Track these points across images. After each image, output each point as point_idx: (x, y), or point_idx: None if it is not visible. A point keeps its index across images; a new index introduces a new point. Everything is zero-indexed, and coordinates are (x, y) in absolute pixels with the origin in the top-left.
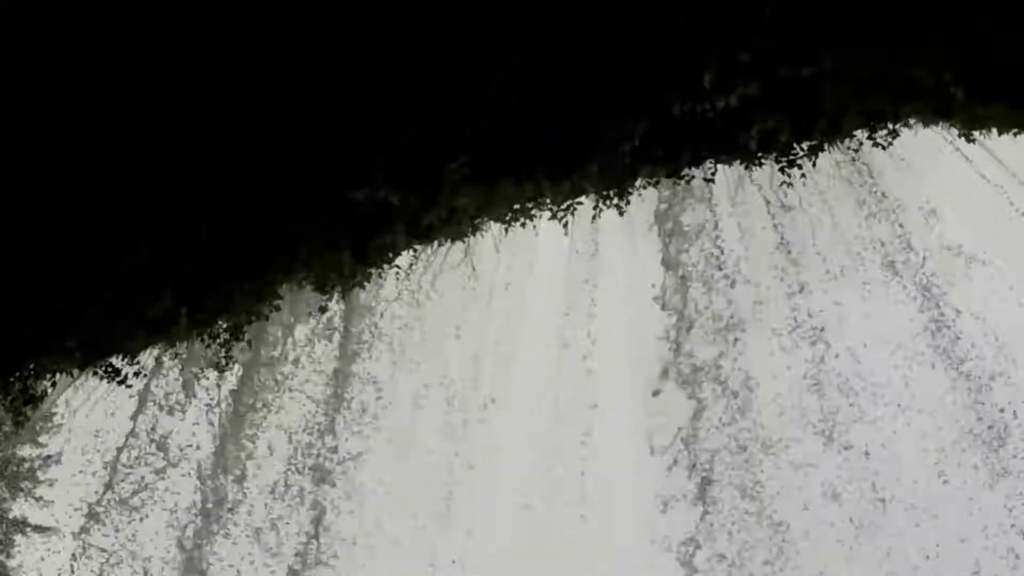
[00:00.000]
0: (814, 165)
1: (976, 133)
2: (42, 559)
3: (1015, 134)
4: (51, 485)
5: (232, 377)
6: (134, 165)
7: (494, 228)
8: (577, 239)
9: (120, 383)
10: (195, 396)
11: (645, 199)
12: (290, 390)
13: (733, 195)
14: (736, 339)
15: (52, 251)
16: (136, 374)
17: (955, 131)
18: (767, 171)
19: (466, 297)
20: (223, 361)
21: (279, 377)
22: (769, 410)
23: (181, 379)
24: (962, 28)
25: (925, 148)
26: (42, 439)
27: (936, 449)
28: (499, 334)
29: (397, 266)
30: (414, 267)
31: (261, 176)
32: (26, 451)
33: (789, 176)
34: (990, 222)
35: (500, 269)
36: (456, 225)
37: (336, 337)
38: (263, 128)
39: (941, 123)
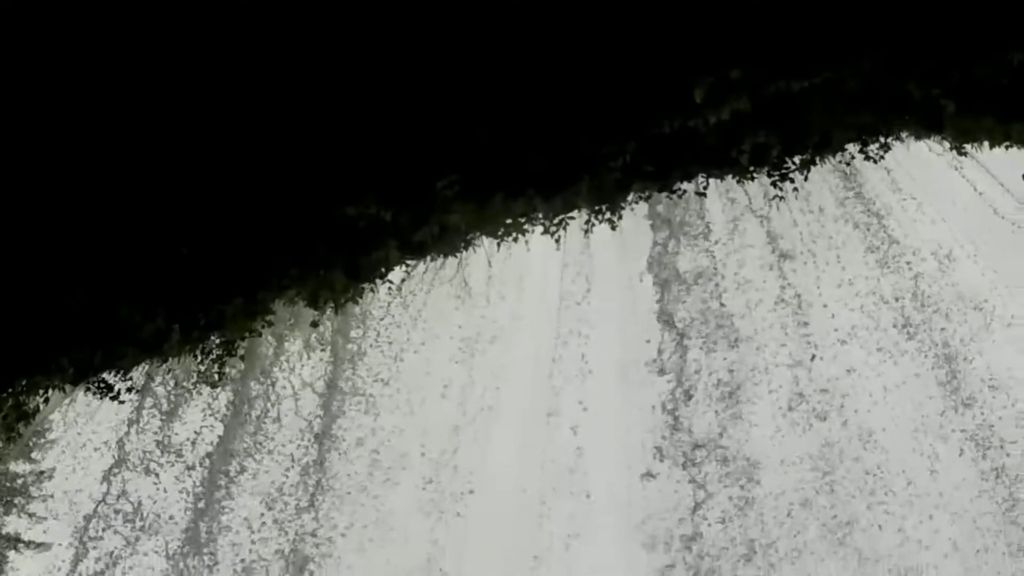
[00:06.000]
0: (806, 179)
1: (968, 147)
2: None
3: (1006, 147)
4: (44, 501)
5: (210, 435)
6: (126, 184)
7: (486, 246)
8: (568, 280)
9: (113, 399)
10: (171, 455)
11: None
12: (269, 452)
13: (731, 238)
14: (737, 415)
15: (44, 269)
16: (129, 390)
17: (947, 145)
18: (767, 211)
19: (449, 353)
20: (216, 377)
21: (259, 439)
22: (776, 508)
23: (157, 437)
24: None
25: (934, 181)
26: (35, 455)
27: (972, 559)
28: (482, 398)
29: (390, 281)
30: (399, 312)
31: (253, 193)
32: (19, 467)
33: (781, 190)
34: (1007, 264)
35: (486, 321)
36: (448, 241)
37: (321, 387)
38: (255, 145)
39: (932, 136)
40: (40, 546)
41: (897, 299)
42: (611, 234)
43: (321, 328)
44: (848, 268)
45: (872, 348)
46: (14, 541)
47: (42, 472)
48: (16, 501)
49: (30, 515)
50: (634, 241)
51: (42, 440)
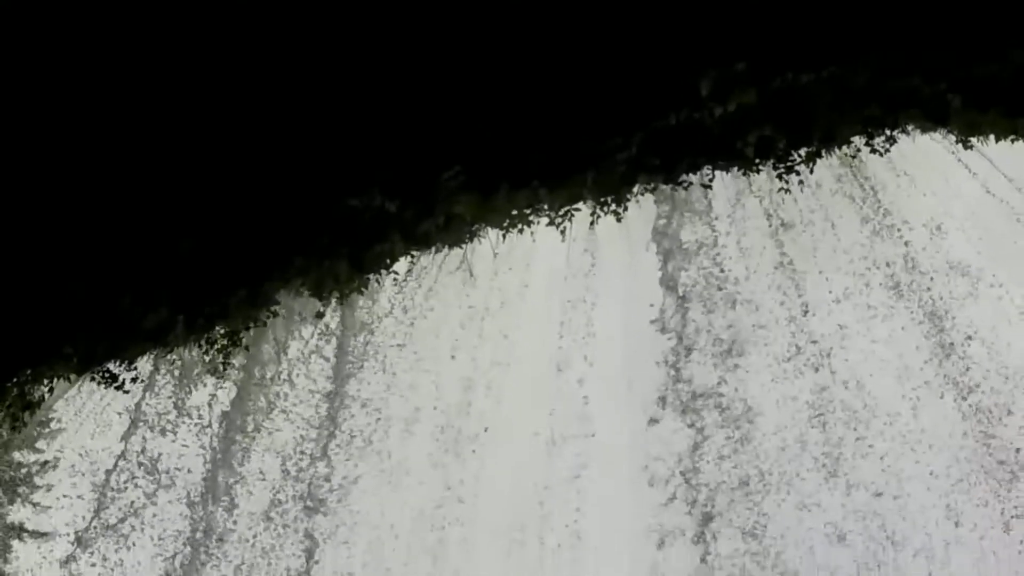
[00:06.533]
0: (811, 172)
1: (973, 139)
2: (39, 565)
3: (1012, 140)
4: (48, 490)
5: (225, 397)
6: (131, 174)
7: (491, 235)
8: (574, 254)
9: (117, 388)
10: (187, 416)
11: (643, 214)
12: (283, 411)
13: (732, 211)
14: (736, 365)
15: (48, 258)
16: (134, 380)
17: (953, 138)
18: (767, 186)
19: (460, 315)
20: (221, 367)
21: (272, 397)
22: (770, 443)
23: (173, 398)
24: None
25: (930, 162)
26: (39, 444)
27: (947, 487)
28: (493, 355)
29: (395, 272)
30: (409, 279)
31: (258, 184)
32: (23, 456)
33: (787, 183)
34: (997, 238)
35: (494, 286)
36: (453, 232)
37: (330, 352)
38: (260, 136)
39: (938, 130)
40: (44, 535)
41: (888, 264)
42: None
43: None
44: (843, 238)
45: (863, 306)
46: (18, 530)
47: (46, 461)
48: (20, 490)
49: (34, 504)
50: (639, 216)
51: (47, 429)
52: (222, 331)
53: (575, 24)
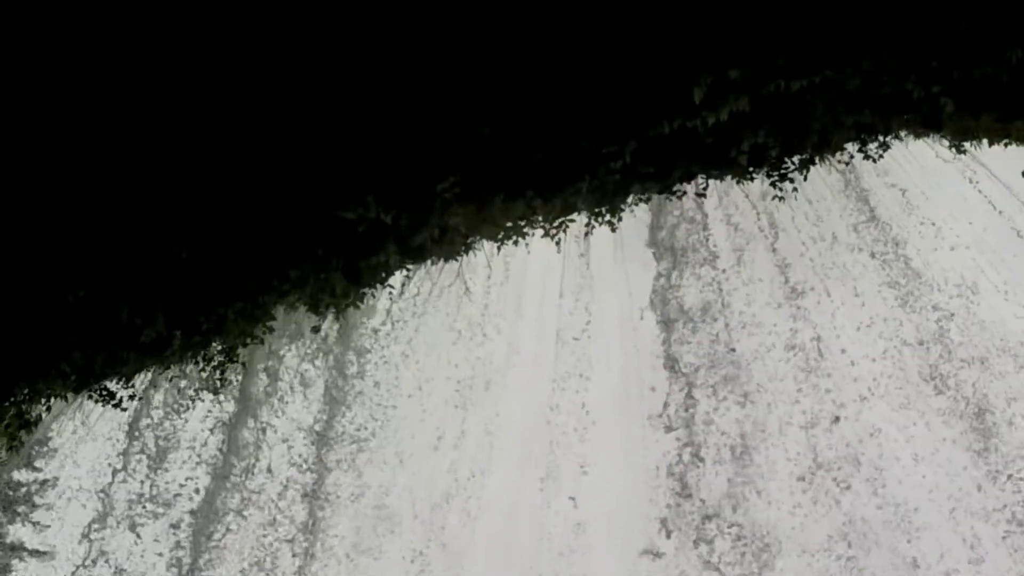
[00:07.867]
0: (805, 179)
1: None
2: None
3: (1005, 144)
4: (48, 509)
5: (195, 486)
6: (126, 187)
7: (484, 258)
8: (565, 312)
9: (115, 406)
10: (157, 505)
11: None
12: (260, 508)
13: (739, 269)
14: (749, 482)
15: (45, 273)
16: (131, 397)
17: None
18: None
19: (444, 395)
20: (218, 383)
21: (247, 495)
22: None
23: (146, 482)
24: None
25: (948, 198)
26: (38, 463)
27: None
28: (474, 457)
29: (390, 286)
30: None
31: (253, 195)
32: (22, 475)
33: (781, 190)
34: None
35: (480, 357)
36: (448, 244)
37: (311, 433)
38: (255, 147)
39: (932, 135)
40: (43, 555)
41: (922, 343)
42: (612, 264)
43: (314, 365)
44: (867, 305)
45: (897, 404)
46: (18, 549)
47: (45, 480)
48: (20, 510)
49: (34, 523)
50: (635, 269)
51: (44, 448)
52: (219, 347)
53: (569, 33)
